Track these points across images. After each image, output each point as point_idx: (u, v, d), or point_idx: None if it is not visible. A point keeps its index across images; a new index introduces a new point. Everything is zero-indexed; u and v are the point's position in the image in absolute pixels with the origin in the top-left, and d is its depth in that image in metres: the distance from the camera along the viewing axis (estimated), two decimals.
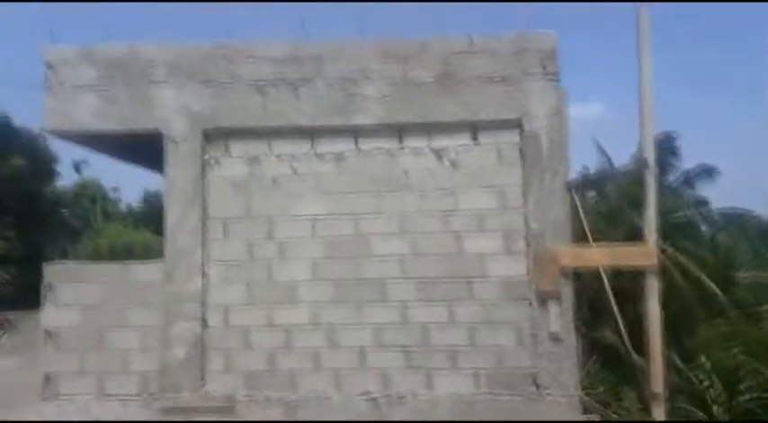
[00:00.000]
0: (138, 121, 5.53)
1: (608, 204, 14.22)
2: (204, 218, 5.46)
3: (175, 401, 5.30)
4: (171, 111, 5.49)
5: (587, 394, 7.73)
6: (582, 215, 5.56)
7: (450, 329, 5.33)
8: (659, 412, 5.25)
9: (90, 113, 5.53)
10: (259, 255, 5.46)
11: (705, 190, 15.92)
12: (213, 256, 5.46)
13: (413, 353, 5.33)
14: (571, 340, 5.25)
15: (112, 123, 5.54)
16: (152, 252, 5.72)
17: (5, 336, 27.60)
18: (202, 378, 5.35)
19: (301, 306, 5.42)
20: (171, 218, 5.45)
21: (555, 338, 5.17)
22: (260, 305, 5.43)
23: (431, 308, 5.36)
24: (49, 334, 5.49)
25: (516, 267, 5.33)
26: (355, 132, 5.45)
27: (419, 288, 5.38)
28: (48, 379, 5.42)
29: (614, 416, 6.50)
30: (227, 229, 5.49)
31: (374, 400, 5.28)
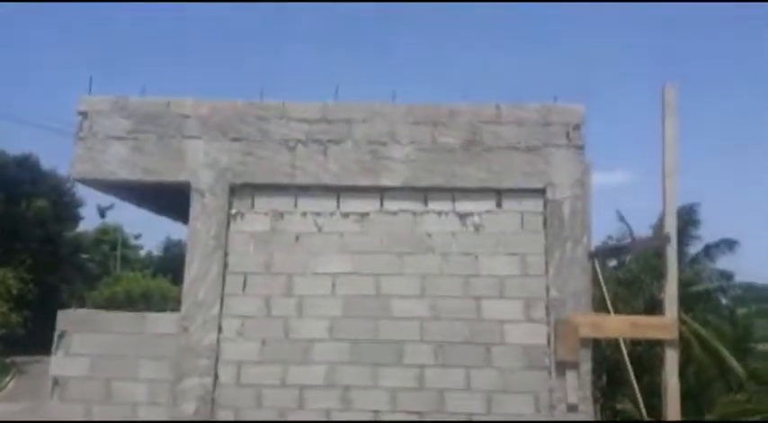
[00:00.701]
0: (167, 173, 5.64)
1: (628, 273, 14.18)
2: (224, 272, 5.49)
3: None
4: (200, 164, 5.61)
5: None
6: (602, 284, 5.54)
7: (466, 395, 5.22)
8: None
9: (119, 163, 5.66)
10: (277, 311, 5.43)
11: (726, 263, 15.89)
12: (230, 310, 5.43)
13: (428, 418, 5.21)
14: (589, 410, 5.13)
15: (140, 173, 5.66)
16: (169, 300, 5.71)
17: (13, 380, 27.26)
18: None
19: (316, 365, 5.34)
20: (191, 270, 5.47)
21: (573, 409, 5.06)
22: (274, 362, 5.36)
23: (448, 372, 5.27)
24: (56, 382, 5.42)
25: (536, 334, 5.26)
26: (381, 193, 5.52)
27: (437, 352, 5.31)
28: None
29: None
30: (247, 284, 5.49)
31: None
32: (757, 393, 12.51)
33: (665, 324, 5.21)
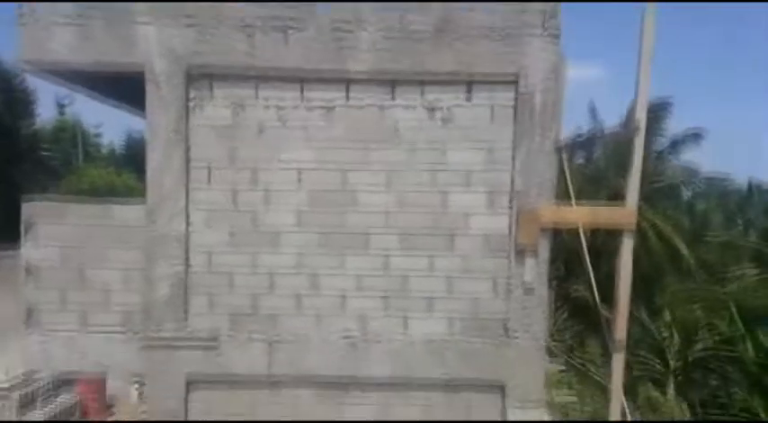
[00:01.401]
0: (119, 60, 5.33)
1: (594, 168, 14.51)
2: (188, 165, 5.43)
3: (158, 337, 5.46)
4: (153, 51, 5.30)
5: (554, 341, 8.19)
6: (568, 178, 5.67)
7: (428, 278, 5.51)
8: (618, 358, 5.55)
9: (67, 50, 5.33)
10: (243, 203, 5.49)
11: (692, 155, 16.27)
12: (196, 202, 5.46)
13: (391, 299, 5.53)
14: (543, 291, 5.48)
15: (90, 60, 5.35)
16: (134, 196, 5.70)
17: None
18: (186, 317, 5.49)
19: (285, 251, 5.52)
20: (153, 160, 5.41)
21: (528, 289, 5.40)
22: (243, 251, 5.51)
23: (412, 258, 5.51)
24: (29, 270, 5.53)
25: (498, 223, 5.46)
26: (346, 83, 5.37)
27: (402, 239, 5.51)
28: (30, 313, 5.51)
29: (577, 360, 6.85)
30: (211, 176, 5.48)
31: (352, 340, 5.51)
32: (705, 281, 13.49)
33: (625, 213, 5.43)
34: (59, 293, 5.51)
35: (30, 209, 5.54)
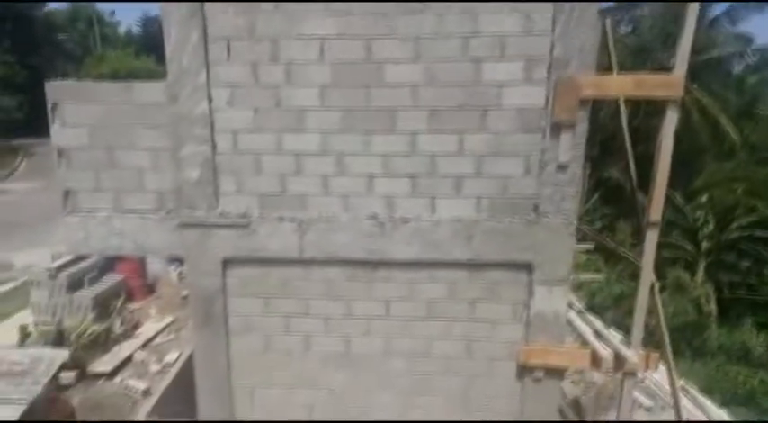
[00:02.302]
0: None
1: (639, 40, 13.41)
2: (205, 38, 5.18)
3: (192, 218, 5.57)
4: None
5: (584, 224, 8.13)
6: (611, 47, 5.23)
7: (457, 158, 5.36)
8: (652, 238, 5.46)
9: None
10: (265, 79, 5.28)
11: (752, 24, 14.82)
12: (217, 78, 5.29)
13: (419, 179, 5.43)
14: (577, 169, 5.29)
15: None
16: (156, 78, 5.53)
17: (23, 162, 28.48)
18: (216, 198, 5.55)
19: (309, 133, 5.39)
20: (170, 36, 5.18)
21: (561, 166, 5.22)
22: (268, 131, 5.41)
23: (440, 137, 5.33)
24: (60, 152, 5.58)
25: (534, 96, 5.16)
26: None
27: (430, 117, 5.30)
28: (67, 194, 5.64)
29: (608, 242, 6.80)
30: (231, 50, 5.24)
31: (379, 221, 5.53)
32: (746, 162, 12.97)
33: (672, 82, 5.03)
34: (93, 175, 5.58)
35: (54, 90, 5.48)
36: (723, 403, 8.06)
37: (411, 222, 5.53)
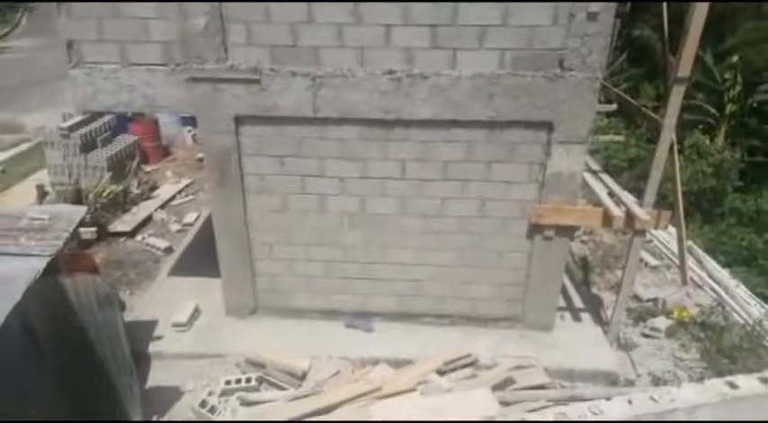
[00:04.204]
0: None
1: None
2: None
3: (201, 71, 5.37)
4: None
5: (610, 84, 7.80)
6: None
7: (481, 5, 4.99)
8: (677, 95, 5.25)
9: None
10: None
11: None
12: None
13: (440, 30, 5.11)
14: (609, 18, 4.94)
15: None
16: None
17: (24, 17, 27.37)
18: (225, 49, 5.30)
19: None
20: None
21: (593, 16, 4.87)
22: None
23: None
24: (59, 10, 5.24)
25: None
26: None
27: None
28: (70, 46, 5.39)
29: (632, 102, 6.55)
30: None
31: (396, 77, 5.30)
32: None
33: None
34: (95, 24, 5.29)
35: None
36: (726, 264, 8.31)
37: (430, 78, 5.30)
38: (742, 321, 6.94)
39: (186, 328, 6.57)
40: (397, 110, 5.47)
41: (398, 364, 5.98)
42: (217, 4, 5.09)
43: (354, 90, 5.40)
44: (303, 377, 5.88)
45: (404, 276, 6.39)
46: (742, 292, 7.54)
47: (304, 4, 5.08)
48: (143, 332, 6.43)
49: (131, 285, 7.68)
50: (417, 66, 5.28)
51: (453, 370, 5.73)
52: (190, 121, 11.96)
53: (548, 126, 5.49)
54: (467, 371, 5.77)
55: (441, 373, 5.64)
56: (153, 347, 6.33)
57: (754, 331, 6.68)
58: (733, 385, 3.48)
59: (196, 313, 6.78)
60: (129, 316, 6.62)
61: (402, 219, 6.08)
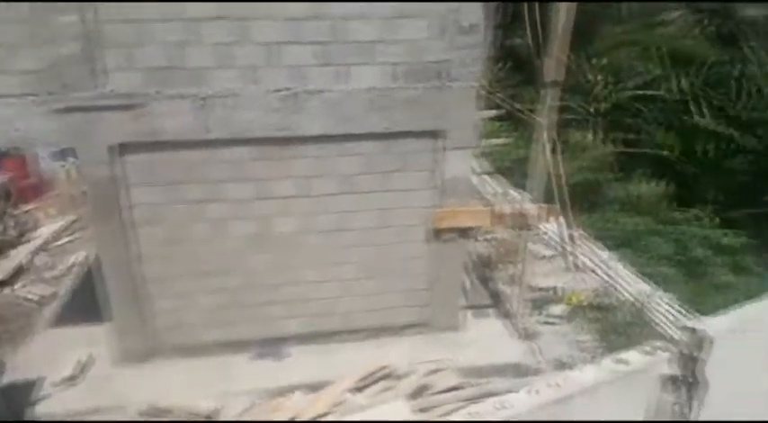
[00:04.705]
0: None
1: None
2: None
3: (76, 100, 5.04)
4: None
5: (495, 91, 8.29)
6: None
7: (365, 23, 5.11)
8: (549, 98, 5.66)
9: None
10: None
11: None
12: None
13: (329, 46, 5.16)
14: (483, 32, 5.23)
15: None
16: None
17: None
18: (105, 75, 5.00)
19: None
20: None
21: (470, 29, 5.13)
22: None
23: None
24: None
25: None
26: None
27: None
28: None
29: (515, 109, 6.98)
30: None
31: (288, 94, 5.28)
32: (638, 26, 13.46)
33: None
34: None
35: None
36: (614, 247, 9.01)
37: (323, 94, 5.33)
38: (631, 299, 7.54)
39: (77, 381, 6.02)
40: (291, 127, 5.44)
41: (316, 388, 5.86)
42: (91, 27, 4.80)
43: (246, 109, 5.30)
44: (212, 418, 5.61)
45: (312, 296, 6.31)
46: (628, 272, 8.20)
47: (186, 24, 4.93)
48: (25, 393, 5.79)
49: (11, 342, 6.95)
50: (309, 82, 5.30)
51: (370, 385, 5.73)
52: (72, 152, 11.14)
53: (439, 134, 5.69)
54: (384, 383, 5.80)
55: (358, 390, 5.63)
56: (41, 409, 5.69)
57: (640, 307, 7.28)
58: (623, 361, 3.78)
59: (88, 363, 6.23)
60: (8, 377, 5.95)
61: (305, 237, 6.03)
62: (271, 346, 6.37)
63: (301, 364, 6.22)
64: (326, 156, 5.68)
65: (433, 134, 5.69)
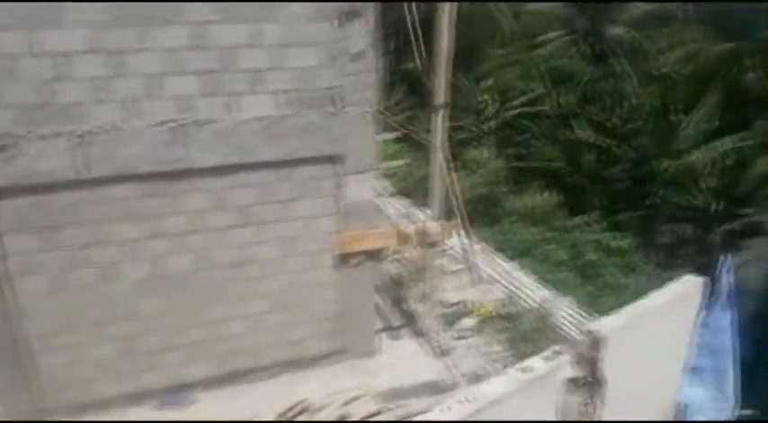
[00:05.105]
0: None
1: None
2: None
3: None
4: None
5: (392, 115, 8.47)
6: None
7: (252, 51, 5.03)
8: (439, 120, 5.86)
9: None
10: None
11: None
12: None
13: (215, 76, 5.02)
14: (372, 59, 5.33)
15: None
16: None
17: None
18: None
19: (72, 28, 4.57)
20: None
21: (358, 56, 5.21)
22: (20, 29, 4.46)
23: (231, 29, 4.91)
24: None
25: None
26: None
27: (217, 7, 4.81)
28: None
29: (411, 131, 7.15)
30: None
31: (173, 126, 5.05)
32: (519, 48, 14.43)
33: None
34: None
35: None
36: (513, 258, 9.39)
37: (212, 124, 5.15)
38: (535, 306, 7.86)
39: None
40: (181, 160, 5.20)
41: None
42: None
43: (130, 144, 5.01)
44: None
45: (218, 335, 6.00)
46: (530, 280, 8.57)
47: (56, 59, 4.60)
48: None
49: None
50: (197, 113, 5.11)
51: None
52: None
53: (337, 159, 5.68)
54: (302, 417, 5.61)
55: None
56: None
57: (542, 313, 7.60)
58: (526, 369, 3.91)
59: None
60: None
61: (206, 273, 5.75)
62: (175, 393, 5.96)
63: (210, 409, 5.87)
64: (222, 188, 5.48)
65: (331, 159, 5.68)
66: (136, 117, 4.95)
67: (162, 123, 5.02)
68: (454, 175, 6.51)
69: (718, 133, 11.42)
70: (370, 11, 5.14)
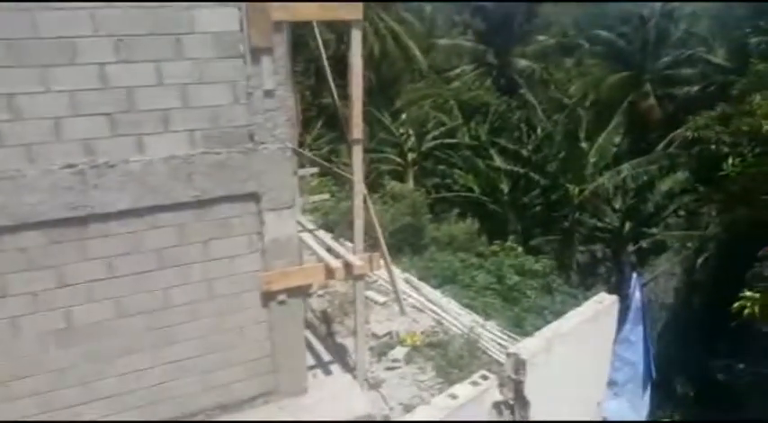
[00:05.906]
0: None
1: None
2: None
3: None
4: None
5: (311, 150, 8.53)
6: None
7: (158, 90, 4.94)
8: (357, 154, 5.98)
9: None
10: None
11: None
12: None
13: (118, 117, 4.88)
14: (285, 95, 5.38)
15: None
16: None
17: None
18: None
19: None
20: None
21: (269, 95, 5.24)
22: None
23: (134, 67, 4.82)
24: None
25: (228, 21, 4.98)
26: None
27: (118, 46, 4.72)
28: None
29: (332, 166, 7.22)
30: None
31: (77, 170, 4.84)
32: (434, 81, 15.06)
33: (352, 6, 5.41)
34: None
35: None
36: (438, 285, 9.57)
37: (119, 166, 4.97)
38: (460, 332, 8.01)
39: None
40: (87, 205, 4.96)
41: None
42: None
43: (29, 191, 4.74)
44: None
45: (140, 385, 5.68)
46: (455, 306, 8.74)
47: None
48: None
49: None
50: (101, 155, 4.92)
51: None
52: None
53: (255, 197, 5.62)
54: None
55: None
56: None
57: (470, 338, 7.76)
58: (453, 396, 3.96)
59: None
60: None
61: (122, 321, 5.45)
62: None
63: None
64: (134, 231, 5.27)
65: (251, 197, 5.61)
66: (37, 162, 4.71)
67: (66, 167, 4.80)
68: (371, 208, 6.61)
69: (623, 157, 12.34)
70: (282, 47, 5.21)
